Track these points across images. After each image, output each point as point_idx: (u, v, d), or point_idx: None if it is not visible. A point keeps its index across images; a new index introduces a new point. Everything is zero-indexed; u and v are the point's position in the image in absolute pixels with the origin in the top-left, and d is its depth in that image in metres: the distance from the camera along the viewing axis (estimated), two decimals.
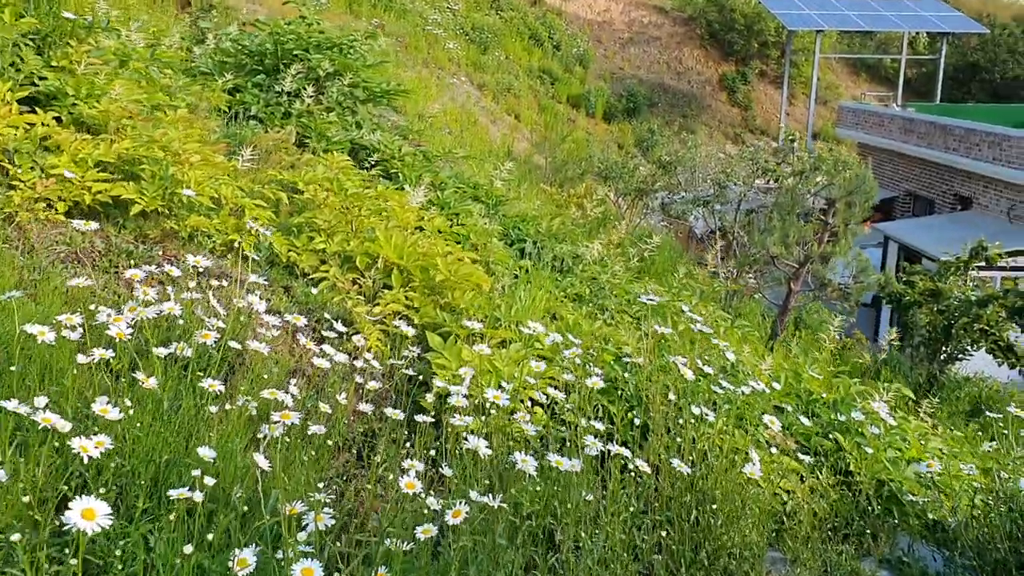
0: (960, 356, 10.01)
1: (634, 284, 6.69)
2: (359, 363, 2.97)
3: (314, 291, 3.89)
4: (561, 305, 5.35)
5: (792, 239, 10.07)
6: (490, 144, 19.05)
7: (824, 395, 4.24)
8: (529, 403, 3.51)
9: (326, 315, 3.37)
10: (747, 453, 3.23)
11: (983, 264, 11.20)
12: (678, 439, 2.78)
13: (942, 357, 10.10)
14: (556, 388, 3.43)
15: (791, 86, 34.17)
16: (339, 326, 3.09)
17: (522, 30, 32.85)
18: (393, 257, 4.08)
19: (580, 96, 31.40)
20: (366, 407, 2.71)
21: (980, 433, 7.86)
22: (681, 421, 2.84)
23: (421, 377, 3.64)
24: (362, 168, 6.29)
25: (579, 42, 34.62)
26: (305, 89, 6.49)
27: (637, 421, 3.14)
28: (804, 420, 3.43)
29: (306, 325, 3.55)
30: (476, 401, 3.36)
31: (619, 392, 3.66)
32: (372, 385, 2.91)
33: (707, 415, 2.84)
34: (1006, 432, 5.85)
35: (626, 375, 3.66)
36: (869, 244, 21.17)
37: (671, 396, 2.91)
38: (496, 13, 32.19)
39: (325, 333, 3.12)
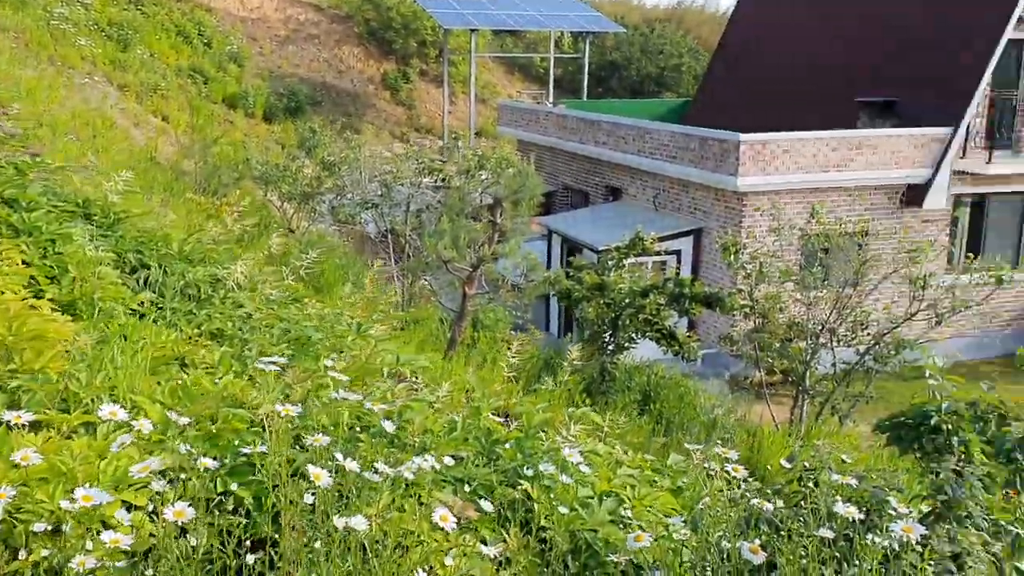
0: (627, 345, 10.21)
1: (290, 308, 5.81)
2: None
3: None
4: (193, 348, 4.36)
5: (463, 241, 9.68)
6: (132, 149, 17.03)
7: (507, 433, 3.68)
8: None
9: None
10: (419, 538, 2.54)
11: (639, 251, 11.61)
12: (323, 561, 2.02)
13: (611, 348, 10.25)
14: (162, 486, 2.51)
15: (451, 85, 34.72)
16: None
17: (168, 26, 30.32)
18: None
19: (237, 96, 29.58)
20: None
21: (655, 427, 7.95)
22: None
23: None
24: None
25: (232, 40, 32.63)
26: None
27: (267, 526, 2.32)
28: (487, 507, 2.79)
29: None
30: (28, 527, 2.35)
31: (253, 471, 2.82)
32: None
33: (355, 528, 2.09)
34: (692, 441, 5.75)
35: (261, 448, 2.82)
36: (534, 238, 21.85)
37: (308, 498, 2.14)
38: (136, 8, 29.39)
39: None
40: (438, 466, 2.62)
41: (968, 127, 17.84)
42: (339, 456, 2.47)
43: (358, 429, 3.13)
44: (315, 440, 2.28)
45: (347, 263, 14.45)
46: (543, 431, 4.10)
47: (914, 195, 17.64)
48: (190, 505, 2.26)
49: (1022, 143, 18.58)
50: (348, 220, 17.10)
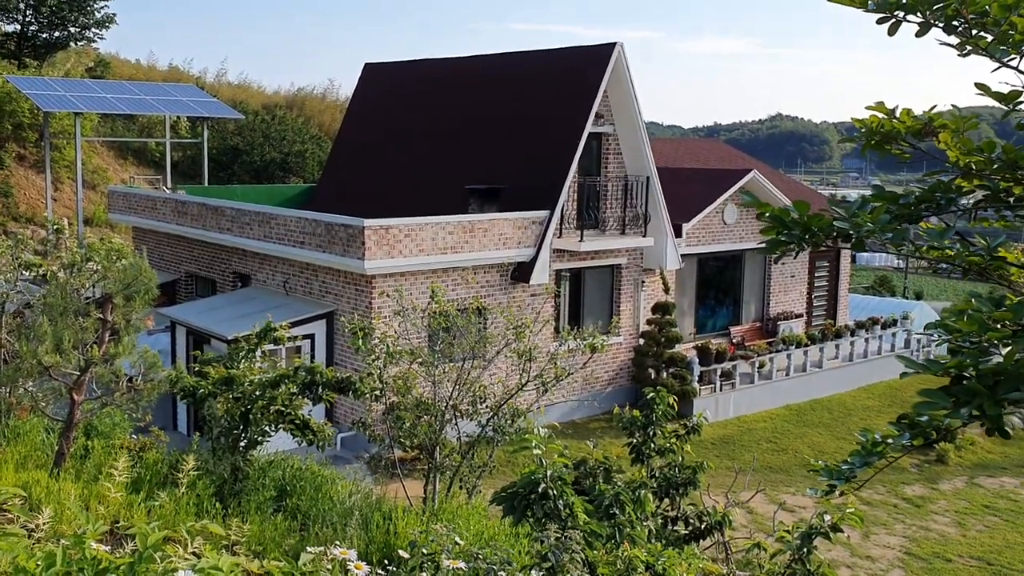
0: (261, 440, 9.94)
1: None
2: None
3: None
4: None
5: (68, 344, 8.87)
6: None
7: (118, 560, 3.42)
8: None
9: None
10: None
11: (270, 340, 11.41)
12: None
13: (243, 444, 9.91)
14: None
15: (55, 171, 31.94)
16: None
17: None
18: None
19: None
20: None
21: (291, 523, 7.78)
22: None
23: None
24: None
25: None
26: None
27: None
28: None
29: None
30: None
31: None
32: None
33: None
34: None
35: None
36: (157, 330, 20.56)
37: None
38: None
39: None
40: None
41: (562, 210, 19.99)
42: None
43: None
44: None
45: None
46: (162, 549, 3.86)
47: (522, 272, 19.32)
48: None
49: (607, 223, 21.18)
50: None
